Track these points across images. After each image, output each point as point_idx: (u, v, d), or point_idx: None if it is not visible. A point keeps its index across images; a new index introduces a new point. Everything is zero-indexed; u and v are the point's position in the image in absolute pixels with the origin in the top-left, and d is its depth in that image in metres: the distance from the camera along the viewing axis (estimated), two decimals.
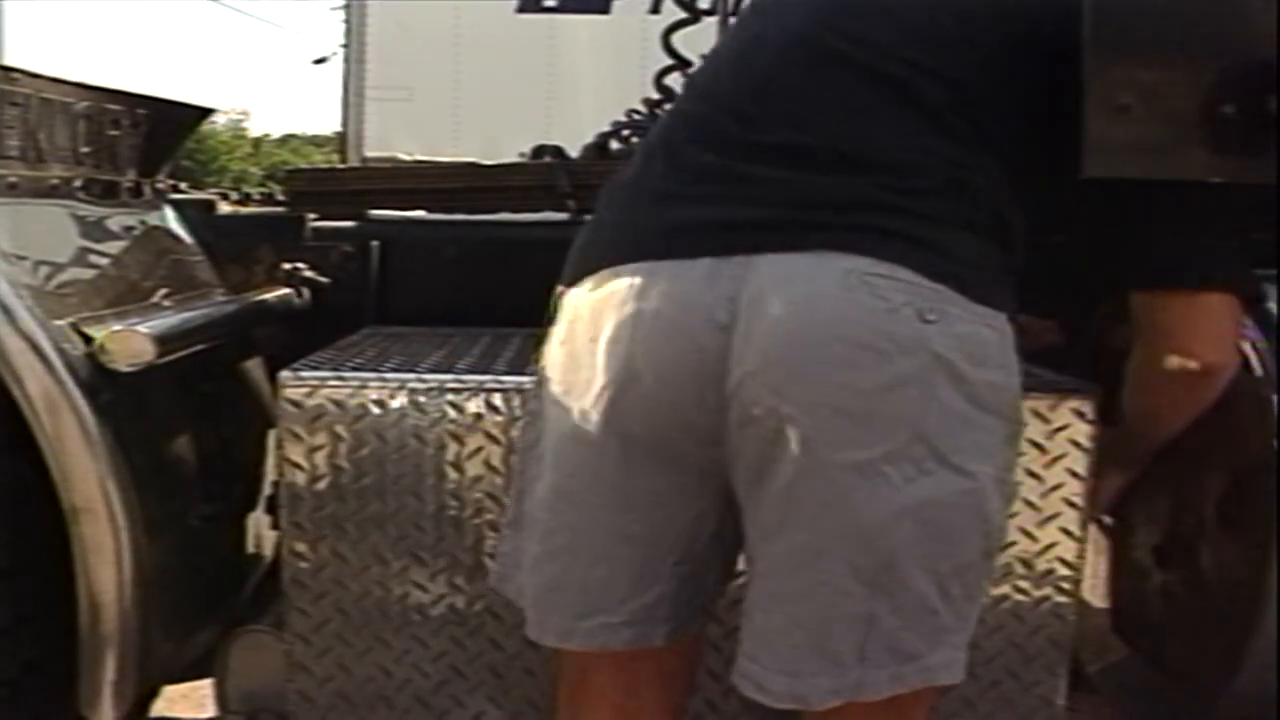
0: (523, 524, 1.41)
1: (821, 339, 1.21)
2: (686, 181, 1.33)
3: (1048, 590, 1.71)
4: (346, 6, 8.46)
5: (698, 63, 3.31)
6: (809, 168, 1.28)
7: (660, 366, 1.26)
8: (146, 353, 1.63)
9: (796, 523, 1.23)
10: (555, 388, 1.34)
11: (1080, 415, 1.66)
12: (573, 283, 1.35)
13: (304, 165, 15.23)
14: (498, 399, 1.66)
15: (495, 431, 1.65)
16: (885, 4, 1.39)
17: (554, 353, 1.36)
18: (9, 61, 1.88)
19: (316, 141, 30.37)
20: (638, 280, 1.27)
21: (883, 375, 1.20)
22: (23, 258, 1.67)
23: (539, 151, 2.62)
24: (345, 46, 8.46)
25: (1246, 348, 1.76)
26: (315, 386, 1.65)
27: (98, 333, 1.63)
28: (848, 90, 1.33)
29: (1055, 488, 1.68)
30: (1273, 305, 1.79)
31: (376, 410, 1.66)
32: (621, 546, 1.33)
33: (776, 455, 1.23)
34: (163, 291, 1.94)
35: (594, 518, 1.33)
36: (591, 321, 1.30)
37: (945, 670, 1.27)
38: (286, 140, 35.16)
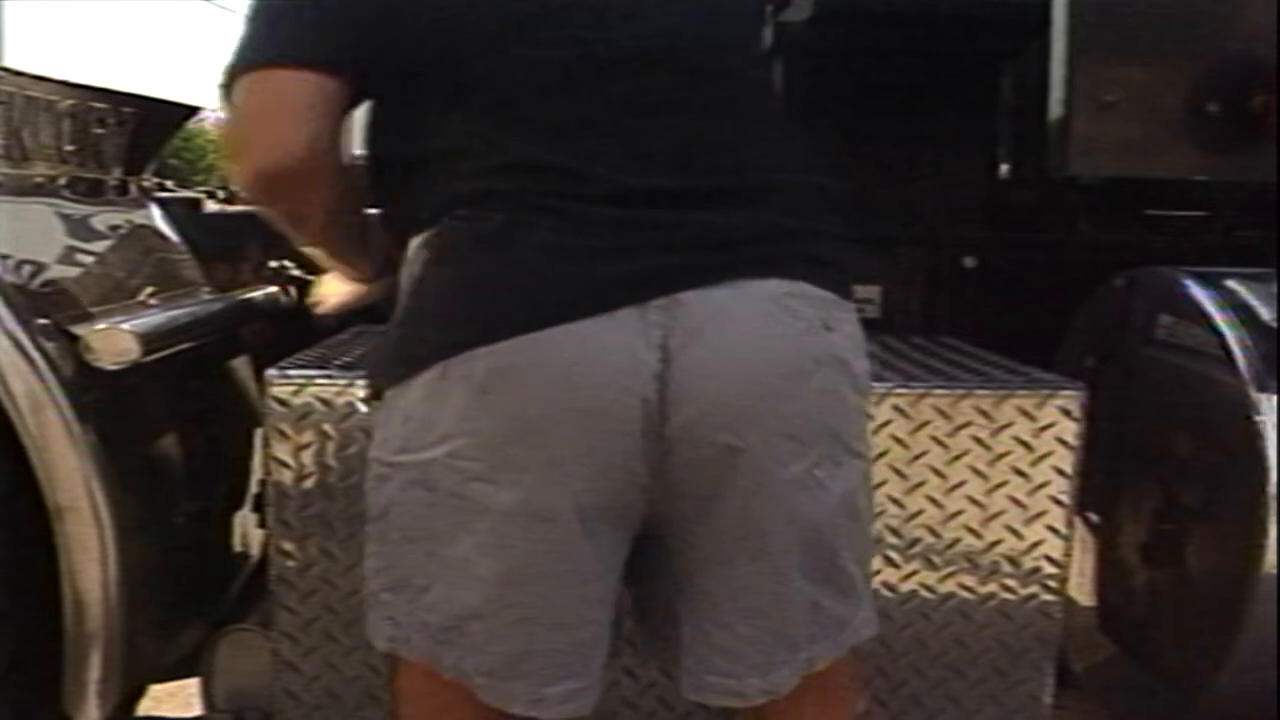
0: (421, 588, 1.29)
1: (759, 371, 1.24)
2: (586, 236, 1.24)
3: (1034, 588, 1.71)
4: None
5: None
6: (707, 207, 1.27)
7: (609, 429, 1.22)
8: (132, 351, 1.62)
9: (754, 542, 1.28)
10: (477, 465, 1.23)
11: (1066, 413, 1.67)
12: (468, 346, 1.22)
13: None
14: None
15: None
16: (719, 10, 1.37)
17: (463, 426, 1.23)
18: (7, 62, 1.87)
19: None
20: (566, 346, 1.21)
21: (809, 392, 1.26)
22: (6, 256, 1.66)
23: None
24: None
25: (1231, 346, 1.77)
26: (302, 385, 1.65)
27: (83, 331, 1.62)
28: (717, 112, 1.32)
29: (1041, 485, 1.68)
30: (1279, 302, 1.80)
31: (364, 408, 1.65)
32: (588, 610, 1.29)
33: (728, 484, 1.25)
34: (148, 290, 1.94)
35: (557, 589, 1.27)
36: (518, 394, 1.21)
37: (867, 626, 1.40)
38: None
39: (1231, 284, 1.86)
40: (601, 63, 1.29)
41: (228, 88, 1.31)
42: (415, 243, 1.31)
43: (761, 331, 1.24)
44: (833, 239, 1.34)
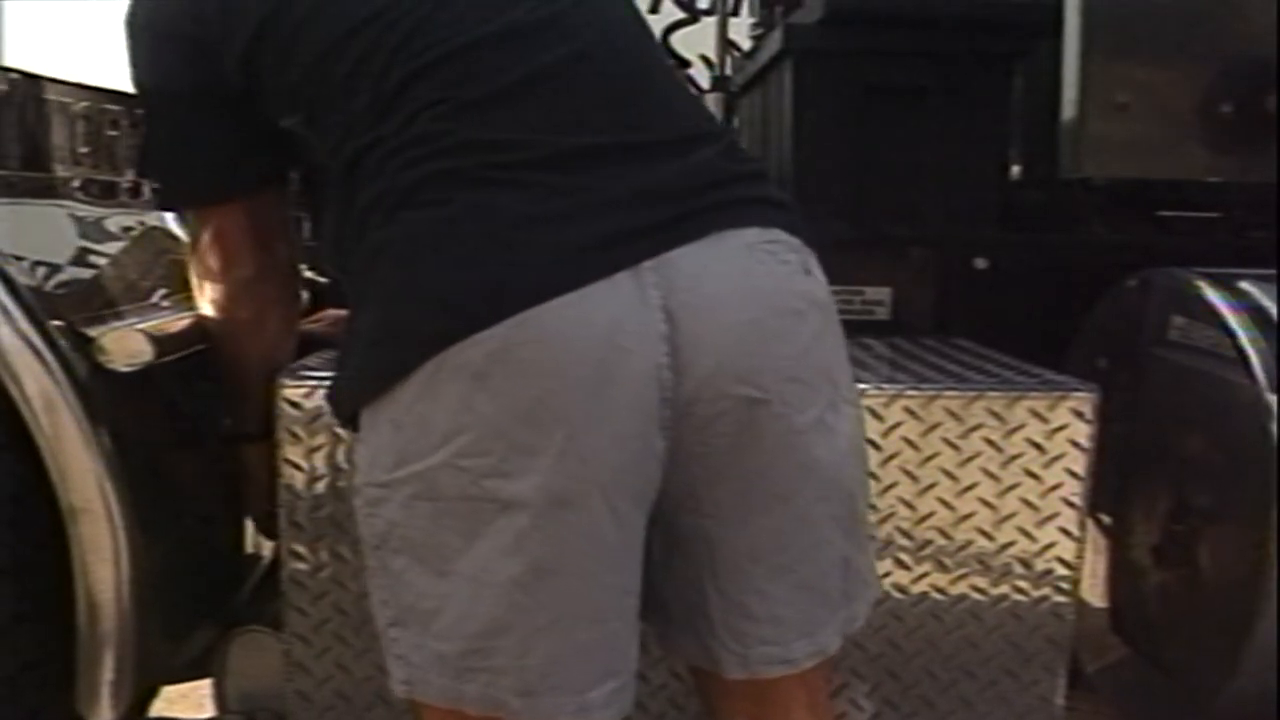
0: (430, 613, 1.22)
1: (759, 316, 1.23)
2: (547, 202, 1.20)
3: (1046, 590, 1.71)
4: None
5: (696, 63, 3.35)
6: (652, 158, 1.26)
7: (623, 399, 1.17)
8: (145, 352, 1.63)
9: (781, 494, 1.26)
10: (485, 460, 1.16)
11: (1079, 415, 1.66)
12: (464, 333, 1.15)
13: None
14: None
15: None
16: None
17: (464, 419, 1.16)
18: (7, 62, 1.88)
19: None
20: (567, 317, 1.15)
21: (807, 334, 1.27)
22: (20, 257, 1.67)
23: None
24: None
25: (1245, 347, 1.76)
26: (314, 387, 1.65)
27: (96, 332, 1.63)
28: (624, 67, 1.34)
29: (1054, 487, 1.68)
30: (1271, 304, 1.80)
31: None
32: (620, 600, 1.24)
33: (748, 438, 1.23)
34: (161, 291, 1.94)
35: (586, 580, 1.20)
36: (521, 374, 1.15)
37: (878, 583, 1.45)
38: None
39: (1245, 285, 1.85)
40: (495, 40, 1.27)
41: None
42: (362, 254, 1.26)
43: (753, 279, 1.24)
44: (770, 180, 1.36)
